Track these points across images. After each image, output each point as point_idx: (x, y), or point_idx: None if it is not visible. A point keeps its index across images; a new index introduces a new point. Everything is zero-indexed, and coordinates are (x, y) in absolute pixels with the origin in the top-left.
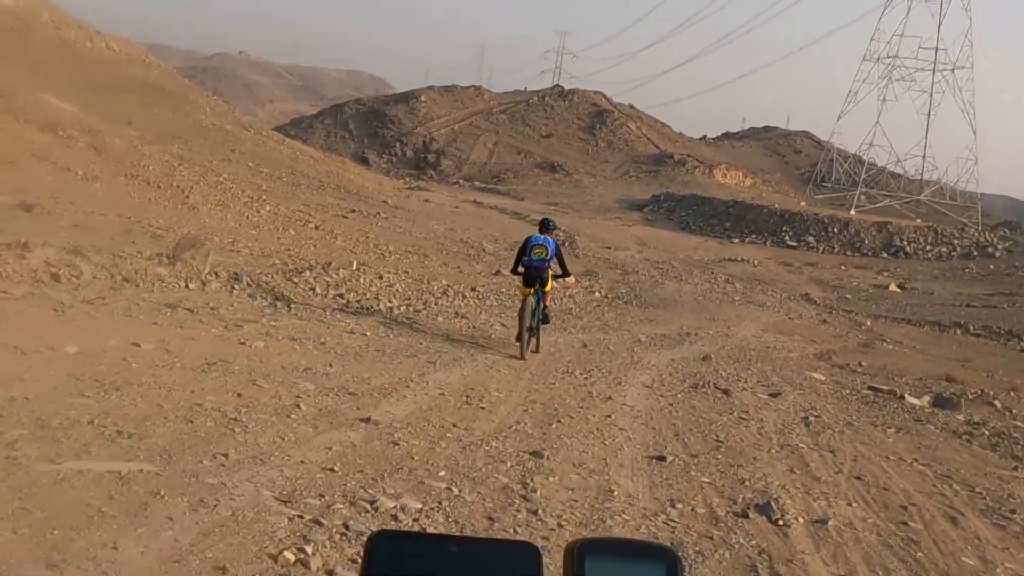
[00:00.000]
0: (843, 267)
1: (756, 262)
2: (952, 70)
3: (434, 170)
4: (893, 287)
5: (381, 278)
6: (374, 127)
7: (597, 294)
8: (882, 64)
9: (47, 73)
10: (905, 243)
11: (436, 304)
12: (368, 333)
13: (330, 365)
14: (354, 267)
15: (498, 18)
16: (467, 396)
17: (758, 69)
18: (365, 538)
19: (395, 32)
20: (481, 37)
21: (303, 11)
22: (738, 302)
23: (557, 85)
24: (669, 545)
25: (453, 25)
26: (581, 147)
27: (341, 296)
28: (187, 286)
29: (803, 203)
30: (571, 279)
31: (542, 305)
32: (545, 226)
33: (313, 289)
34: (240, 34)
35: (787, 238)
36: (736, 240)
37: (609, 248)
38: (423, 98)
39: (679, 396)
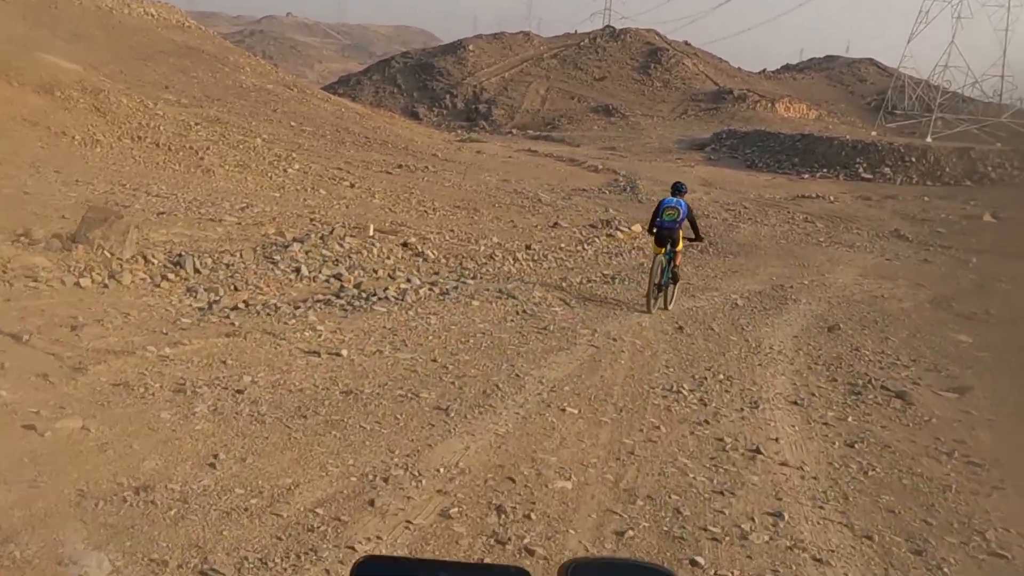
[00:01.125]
0: (926, 198)
1: (832, 198)
2: None
3: (486, 121)
4: (987, 217)
5: (406, 246)
6: (423, 80)
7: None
8: None
9: (85, 43)
10: (990, 169)
11: (479, 275)
12: (344, 353)
13: (212, 464)
14: (371, 232)
15: None
16: (508, 484)
17: None
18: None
19: None
20: None
21: None
22: (823, 243)
23: (608, 26)
24: (665, 565)
25: None
26: (636, 88)
27: (338, 278)
28: (78, 283)
29: (874, 133)
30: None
31: (672, 264)
32: (677, 189)
33: (298, 270)
34: None
35: (861, 170)
36: (807, 176)
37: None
38: (471, 47)
39: (851, 421)
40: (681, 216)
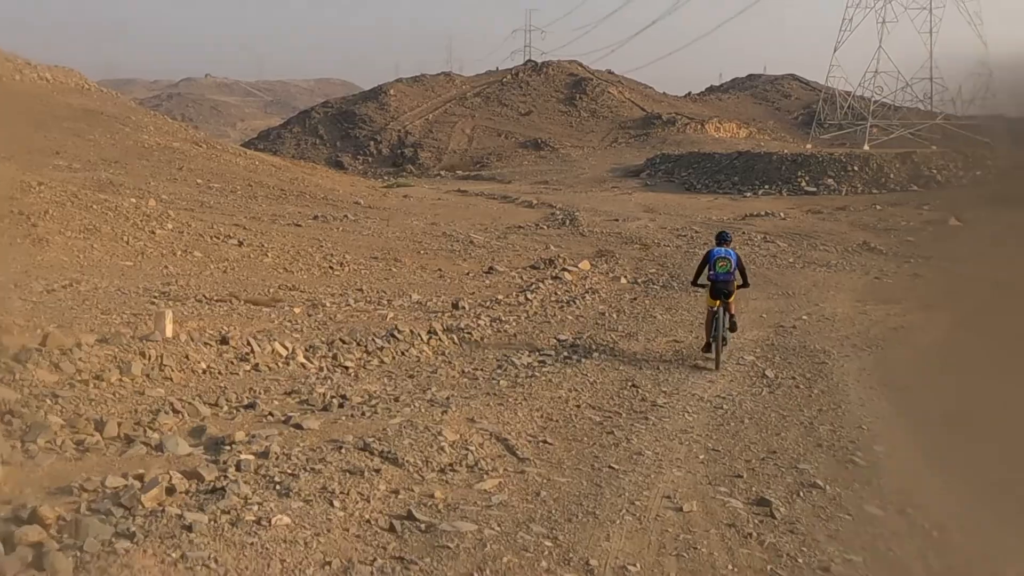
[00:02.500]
0: (877, 206)
1: (782, 214)
2: None
3: (413, 164)
4: (953, 221)
5: (188, 359)
6: (345, 129)
7: (623, 280)
8: None
9: None
10: (934, 171)
11: (359, 376)
12: None
13: None
14: (167, 327)
15: (462, 6)
16: None
17: (733, 16)
18: None
19: (360, 36)
20: (448, 28)
21: (264, 25)
22: (795, 264)
23: (530, 60)
24: None
25: (418, 22)
26: (564, 120)
27: None
28: None
29: (809, 146)
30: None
31: (728, 314)
32: (723, 238)
33: None
34: (205, 58)
35: (804, 184)
36: (749, 194)
37: (616, 220)
38: (392, 92)
39: None
40: (733, 267)
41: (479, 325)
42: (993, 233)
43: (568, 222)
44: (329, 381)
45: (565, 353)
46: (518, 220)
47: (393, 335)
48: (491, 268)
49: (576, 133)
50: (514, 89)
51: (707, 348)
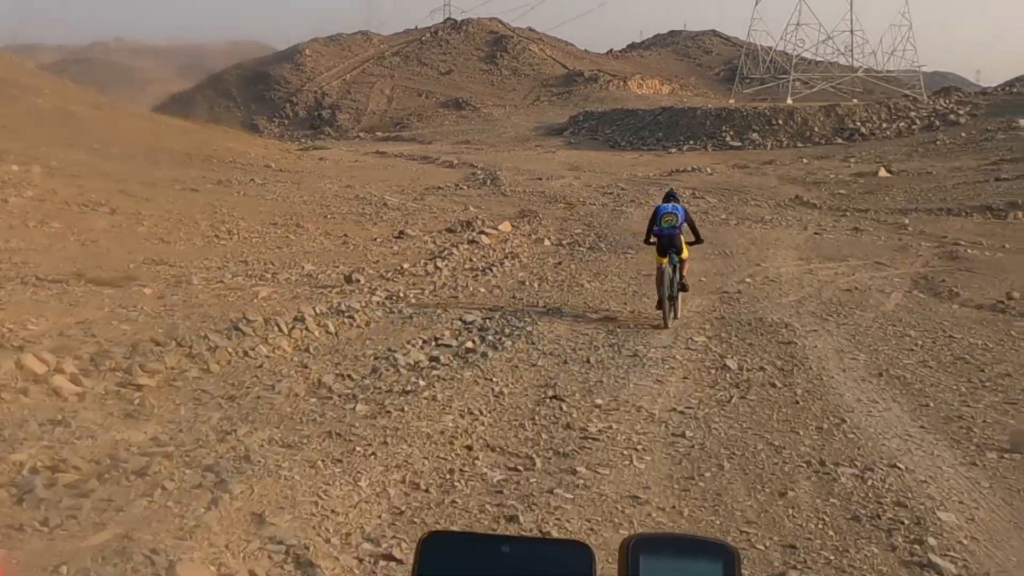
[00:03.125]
0: (804, 160)
1: (709, 169)
2: None
3: (331, 127)
4: (883, 172)
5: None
6: (259, 91)
7: (547, 242)
8: None
9: None
10: (858, 124)
11: (169, 389)
12: None
13: None
14: None
15: None
16: None
17: None
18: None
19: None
20: None
21: None
22: (730, 220)
23: (449, 18)
24: (727, 541)
25: None
26: (485, 79)
27: None
28: None
29: (732, 101)
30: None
31: (680, 274)
32: (671, 195)
33: None
34: (117, 22)
35: (729, 139)
36: (674, 150)
37: (540, 179)
38: (307, 52)
39: None
40: (680, 220)
41: (370, 304)
42: (925, 185)
43: (489, 182)
44: (69, 426)
45: (469, 342)
46: (438, 181)
47: (238, 328)
48: (402, 232)
49: (498, 92)
50: (433, 48)
51: (659, 305)
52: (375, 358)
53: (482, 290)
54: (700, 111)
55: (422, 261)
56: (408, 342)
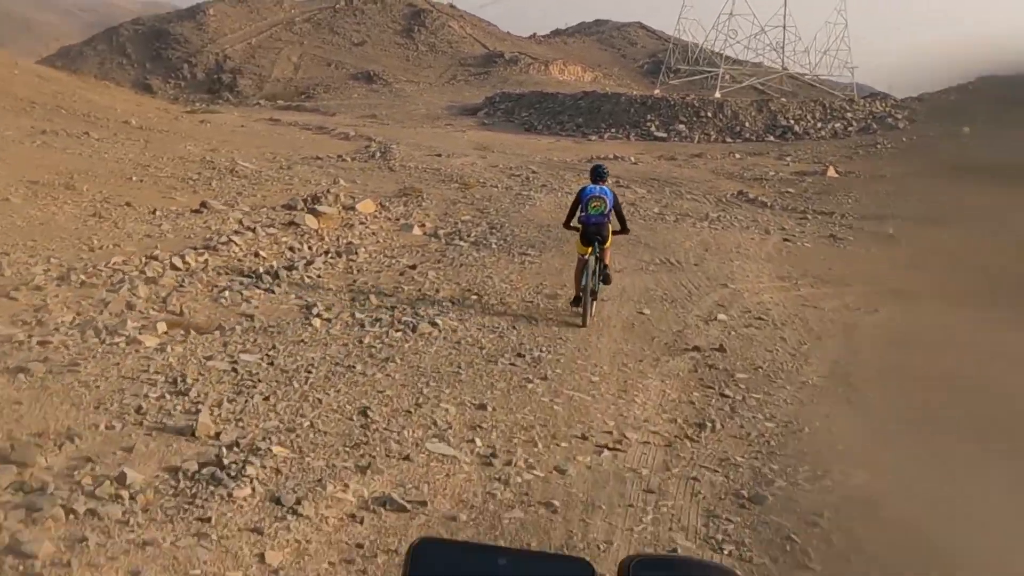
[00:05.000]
0: (736, 155)
1: (632, 158)
2: None
3: (231, 92)
4: (832, 172)
5: None
6: (157, 49)
7: (417, 230)
8: None
9: None
10: (792, 122)
11: None
12: None
13: None
14: None
15: None
16: None
17: None
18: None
19: None
20: None
21: None
22: (665, 215)
23: None
24: (730, 566)
25: None
26: (400, 53)
27: None
28: None
29: (657, 91)
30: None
31: (603, 264)
32: (598, 174)
33: None
34: None
35: (653, 128)
36: (594, 137)
37: (439, 155)
38: (211, 11)
39: None
40: (608, 207)
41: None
42: (885, 188)
43: (379, 155)
44: None
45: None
46: (322, 151)
47: None
48: (204, 204)
49: (412, 67)
50: (348, 17)
51: (576, 302)
52: None
53: (239, 325)
54: (624, 98)
55: (191, 251)
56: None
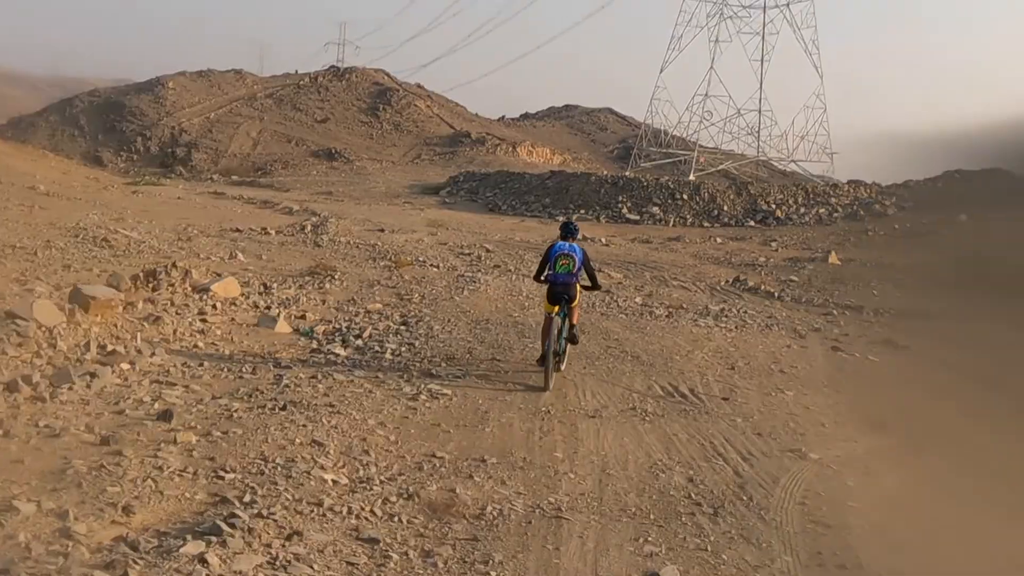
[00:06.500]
0: (717, 239)
1: (604, 240)
2: (787, 4)
3: (184, 166)
4: (834, 259)
5: None
6: (111, 121)
7: (283, 325)
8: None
9: None
10: (774, 206)
11: None
12: None
13: None
14: None
15: (274, 15)
16: None
17: (554, 38)
18: None
19: (165, 36)
20: (256, 34)
21: (66, 22)
22: (652, 307)
23: (333, 65)
24: None
25: (224, 24)
26: (364, 131)
27: None
28: None
29: (629, 173)
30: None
31: (570, 323)
32: (568, 231)
33: None
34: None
35: (625, 211)
36: (562, 218)
37: (382, 231)
38: (170, 84)
39: None
40: (577, 266)
41: None
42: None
43: (312, 230)
44: None
45: None
46: (253, 224)
47: None
48: None
49: (376, 146)
50: (312, 94)
51: (542, 361)
52: None
53: None
54: (595, 178)
55: None
56: None
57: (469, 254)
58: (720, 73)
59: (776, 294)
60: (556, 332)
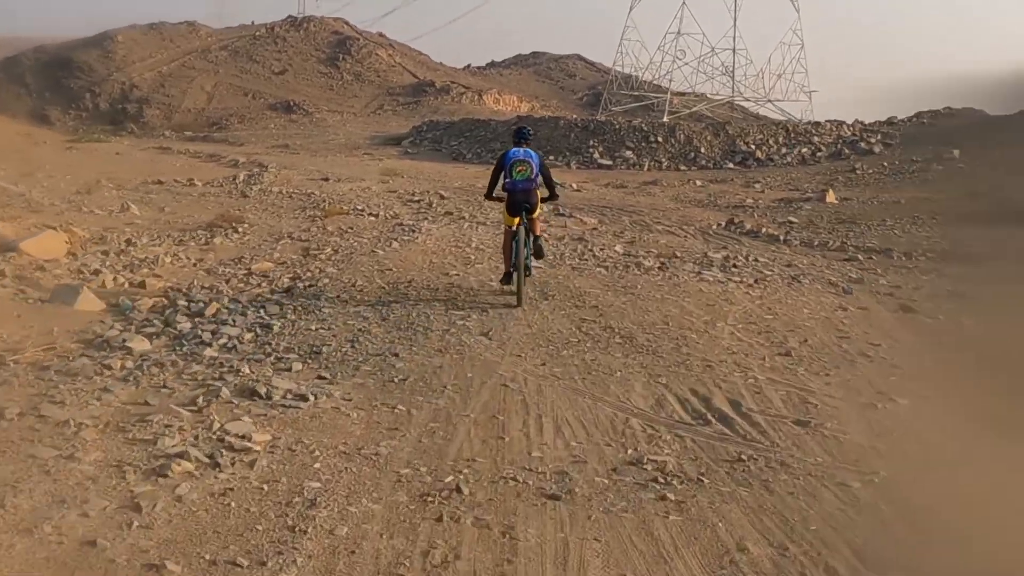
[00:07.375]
0: (697, 182)
1: (575, 186)
2: None
3: (136, 122)
4: (831, 198)
5: None
6: (58, 78)
7: (90, 300)
8: None
9: None
10: (753, 147)
11: None
12: None
13: None
14: None
15: None
16: None
17: None
18: None
19: None
20: None
21: None
22: (640, 259)
23: (290, 16)
24: None
25: None
26: (323, 82)
27: None
28: None
29: (601, 117)
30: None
31: (532, 235)
32: (522, 136)
33: None
34: None
35: (597, 155)
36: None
37: (326, 180)
38: (120, 38)
39: None
40: (535, 171)
41: None
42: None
43: (244, 179)
44: None
45: None
46: (184, 176)
47: None
48: None
49: (337, 97)
50: (268, 45)
51: (507, 279)
52: None
53: None
54: (563, 122)
55: None
56: None
57: (419, 201)
58: (692, 9)
59: (782, 237)
60: (520, 244)
